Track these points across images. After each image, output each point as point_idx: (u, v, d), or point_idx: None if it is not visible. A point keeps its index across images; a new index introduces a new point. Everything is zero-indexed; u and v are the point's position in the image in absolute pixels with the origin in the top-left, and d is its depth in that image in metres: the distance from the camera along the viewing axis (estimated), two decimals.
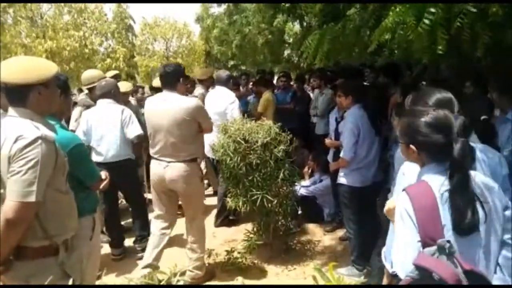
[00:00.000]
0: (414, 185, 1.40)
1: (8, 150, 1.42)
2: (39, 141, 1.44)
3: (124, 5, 19.39)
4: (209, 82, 5.13)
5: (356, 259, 3.16)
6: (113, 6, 19.31)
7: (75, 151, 1.93)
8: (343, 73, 5.47)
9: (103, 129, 3.45)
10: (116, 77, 4.53)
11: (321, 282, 1.26)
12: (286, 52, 10.70)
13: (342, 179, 3.16)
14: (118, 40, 18.35)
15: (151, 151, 3.02)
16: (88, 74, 4.04)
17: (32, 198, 1.41)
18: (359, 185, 3.07)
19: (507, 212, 1.35)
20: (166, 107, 2.86)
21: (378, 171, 3.13)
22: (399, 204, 1.34)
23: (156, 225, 3.07)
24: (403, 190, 1.35)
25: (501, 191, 1.37)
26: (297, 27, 8.94)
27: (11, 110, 1.54)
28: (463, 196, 1.26)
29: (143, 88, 6.00)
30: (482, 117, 2.40)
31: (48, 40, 13.71)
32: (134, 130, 3.50)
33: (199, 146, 3.13)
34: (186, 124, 2.86)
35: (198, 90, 5.22)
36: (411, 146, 1.39)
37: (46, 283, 1.50)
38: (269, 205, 3.21)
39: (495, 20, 2.13)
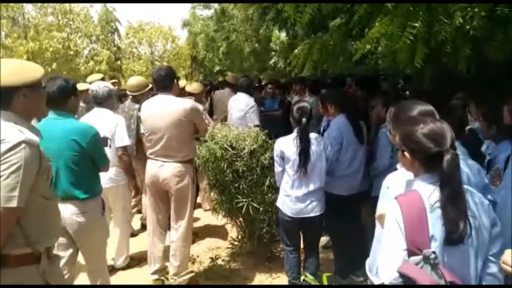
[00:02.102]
0: (405, 194, 1.41)
1: None
2: (23, 145, 1.40)
3: (110, 7, 19.23)
4: (235, 87, 5.48)
5: (339, 268, 3.17)
6: (99, 8, 19.12)
7: (94, 139, 2.38)
8: (330, 82, 5.55)
9: None
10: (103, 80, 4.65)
11: None
12: (273, 60, 10.75)
13: (326, 187, 3.18)
14: (103, 43, 18.11)
15: (148, 152, 3.08)
16: (134, 82, 4.27)
17: (14, 204, 1.37)
18: (344, 194, 3.09)
19: (495, 229, 1.38)
20: (163, 109, 2.92)
21: (365, 180, 3.14)
22: (389, 212, 1.37)
23: (151, 229, 3.14)
24: (395, 198, 1.37)
25: (490, 208, 1.39)
26: (283, 35, 9.01)
27: None
28: (455, 207, 1.27)
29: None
30: (468, 127, 2.48)
31: (30, 41, 13.42)
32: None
33: (194, 148, 3.17)
34: (183, 125, 2.91)
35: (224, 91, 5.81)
36: (405, 153, 1.42)
37: None
38: (254, 212, 3.20)
39: (476, 34, 2.21)
